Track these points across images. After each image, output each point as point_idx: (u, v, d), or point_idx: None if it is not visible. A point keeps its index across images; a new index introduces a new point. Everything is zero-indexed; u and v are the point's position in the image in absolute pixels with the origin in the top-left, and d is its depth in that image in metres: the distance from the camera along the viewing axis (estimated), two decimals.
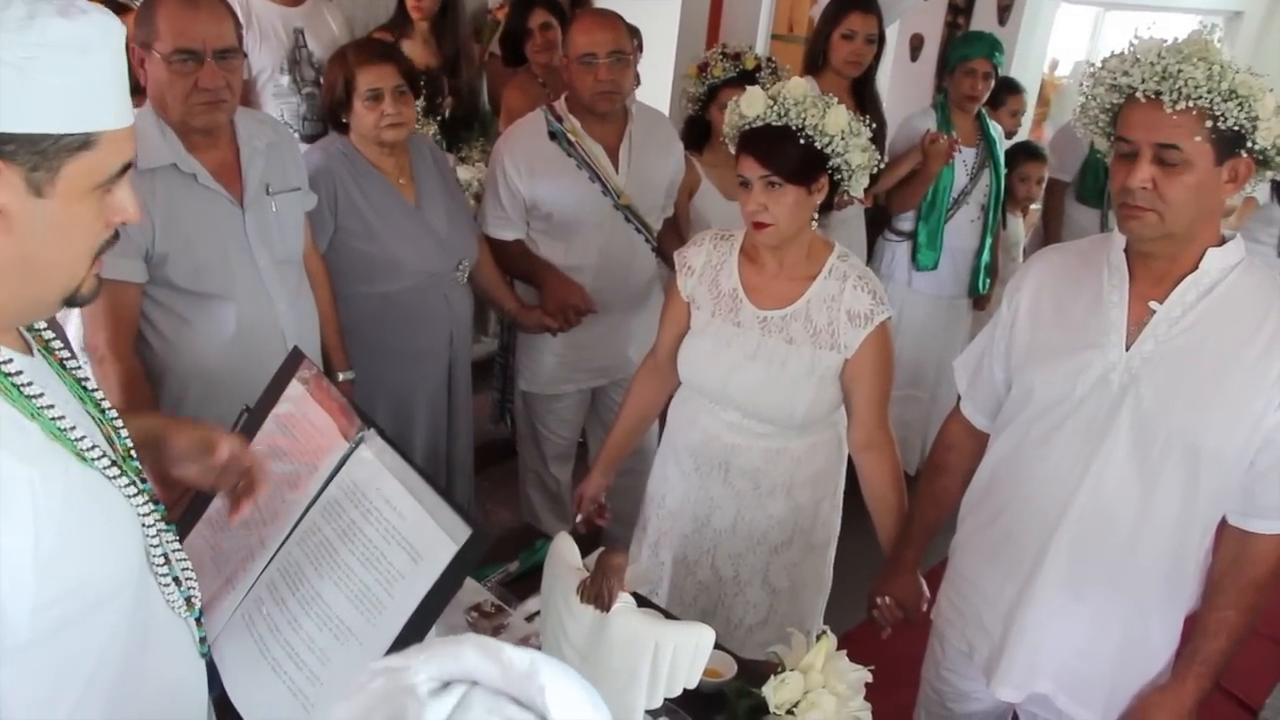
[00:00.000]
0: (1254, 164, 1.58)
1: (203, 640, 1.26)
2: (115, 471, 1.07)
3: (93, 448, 1.04)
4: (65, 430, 1.01)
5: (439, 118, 3.88)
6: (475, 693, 0.64)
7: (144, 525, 1.13)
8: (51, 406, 1.01)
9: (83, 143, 0.97)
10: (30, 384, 1.00)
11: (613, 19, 2.88)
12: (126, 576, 1.09)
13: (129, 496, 1.10)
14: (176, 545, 1.22)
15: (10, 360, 1.00)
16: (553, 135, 2.89)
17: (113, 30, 0.99)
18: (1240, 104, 1.52)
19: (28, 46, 0.91)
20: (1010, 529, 1.88)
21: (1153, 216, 1.60)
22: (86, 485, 1.03)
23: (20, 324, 1.08)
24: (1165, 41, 1.59)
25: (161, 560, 1.16)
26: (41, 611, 0.97)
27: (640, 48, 4.26)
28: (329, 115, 2.67)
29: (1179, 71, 1.53)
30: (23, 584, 0.94)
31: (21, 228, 0.95)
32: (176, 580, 1.19)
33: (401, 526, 1.34)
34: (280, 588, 1.40)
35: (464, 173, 3.87)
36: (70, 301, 1.05)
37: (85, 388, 1.14)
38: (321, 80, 3.68)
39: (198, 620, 1.24)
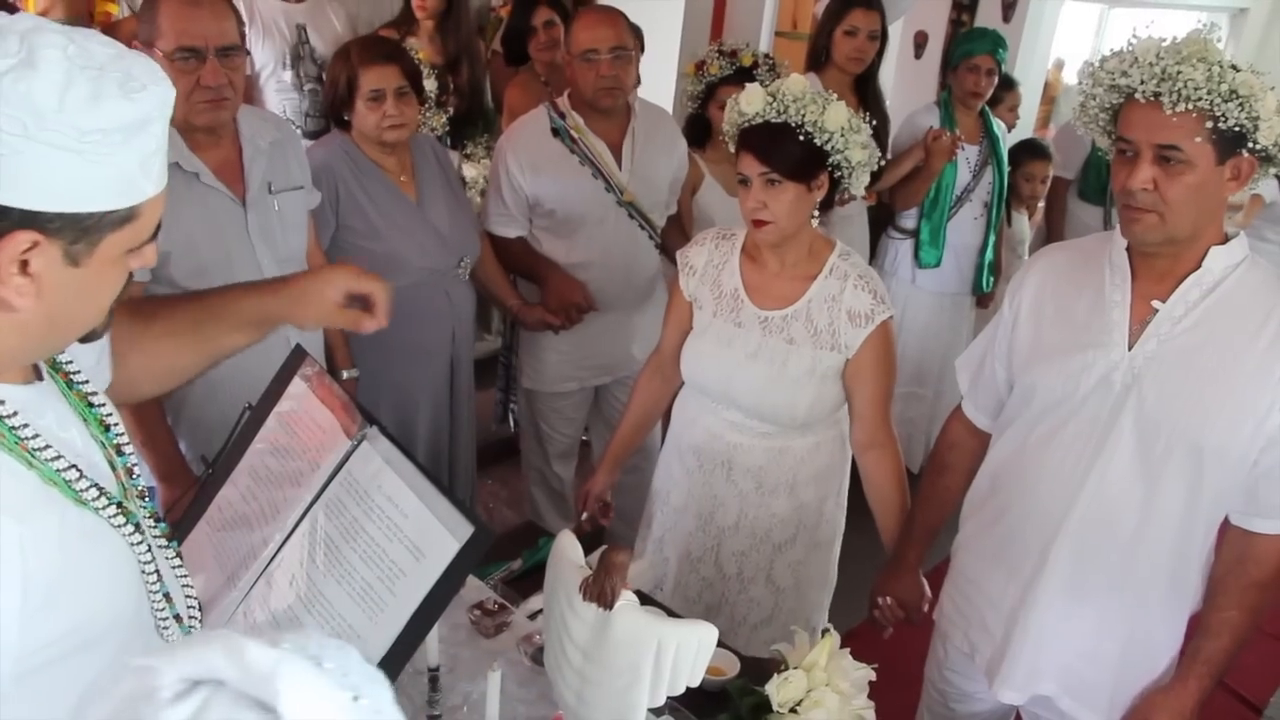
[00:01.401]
0: (1256, 162, 1.58)
1: None
2: (113, 513, 1.05)
3: (89, 487, 1.02)
4: (61, 472, 1.00)
5: (447, 112, 3.88)
6: (217, 698, 0.60)
7: (142, 566, 1.10)
8: (48, 447, 0.99)
9: (127, 216, 0.96)
10: (26, 425, 0.99)
11: (614, 15, 2.88)
12: (120, 617, 1.07)
13: (127, 538, 1.07)
14: (178, 565, 1.20)
15: (3, 402, 0.98)
16: (555, 132, 2.89)
17: (168, 100, 0.97)
18: (1241, 104, 1.51)
19: (89, 132, 0.89)
20: (1013, 530, 1.87)
21: (1154, 219, 1.59)
22: (82, 530, 1.02)
23: (33, 361, 1.07)
24: (1164, 41, 1.58)
25: (161, 602, 1.14)
26: (24, 659, 0.95)
27: (641, 47, 4.26)
28: (331, 112, 2.66)
29: (1178, 73, 1.52)
30: (5, 641, 0.93)
31: (51, 294, 0.94)
32: (178, 618, 1.17)
33: (404, 524, 1.34)
34: (282, 586, 1.40)
35: (470, 170, 3.86)
36: (84, 339, 1.05)
37: (91, 404, 1.13)
38: (324, 76, 3.68)
39: None
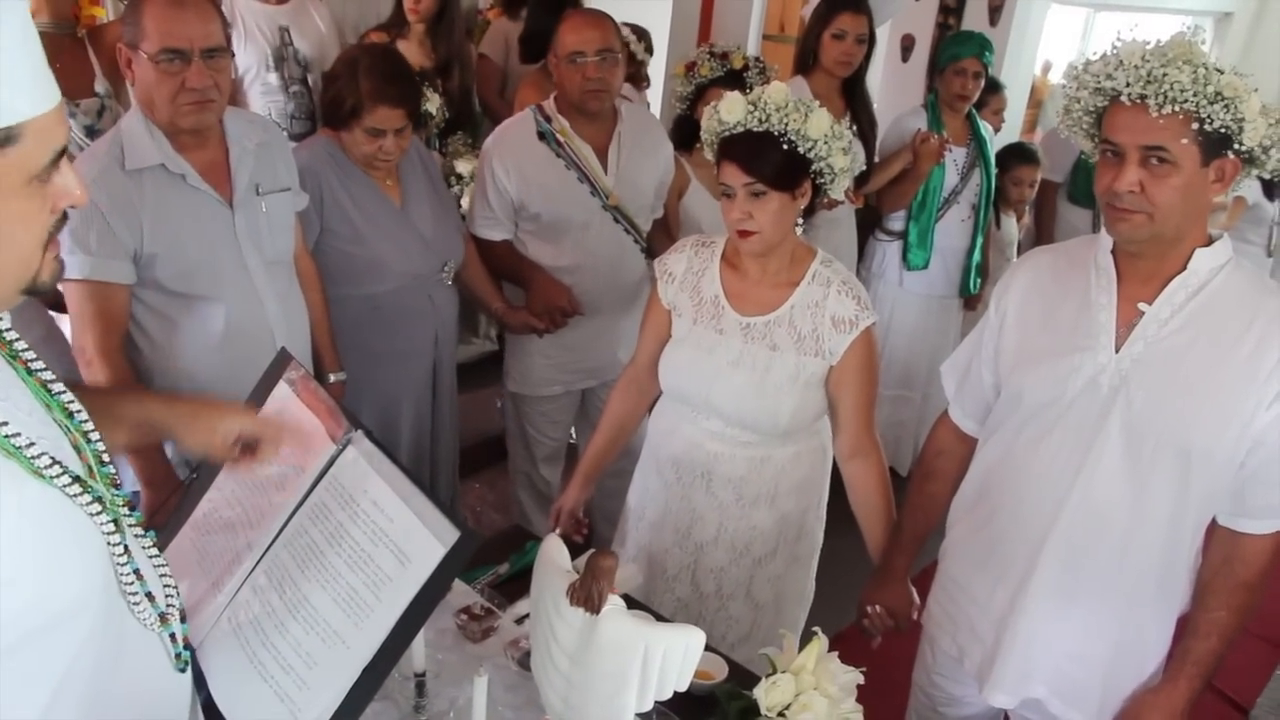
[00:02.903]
0: (1240, 164, 1.58)
1: (178, 656, 1.21)
2: (76, 489, 1.02)
3: (51, 465, 0.99)
4: (20, 448, 0.97)
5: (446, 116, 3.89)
6: None
7: (109, 542, 1.08)
8: (5, 424, 0.96)
9: (3, 139, 0.89)
10: None
11: (601, 18, 2.87)
12: (88, 595, 1.04)
13: (91, 514, 1.05)
14: (155, 555, 1.18)
15: None
16: (541, 135, 2.88)
17: (12, 6, 0.89)
18: (1226, 106, 1.51)
19: None
20: (1001, 534, 1.87)
21: (1141, 218, 1.59)
22: (43, 504, 0.99)
23: None
24: (1149, 44, 1.58)
25: (130, 577, 1.11)
26: None
27: (650, 49, 4.25)
28: (326, 114, 2.62)
29: (1164, 75, 1.52)
30: None
31: None
32: (150, 596, 1.14)
33: (389, 529, 1.33)
34: (267, 591, 1.39)
35: (464, 166, 3.84)
36: (30, 291, 0.99)
37: (51, 391, 1.10)
38: (308, 79, 3.67)
39: (172, 636, 1.19)
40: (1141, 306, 1.68)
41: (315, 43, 3.76)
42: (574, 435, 3.43)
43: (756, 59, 3.43)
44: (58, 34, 3.04)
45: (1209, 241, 1.66)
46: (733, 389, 2.14)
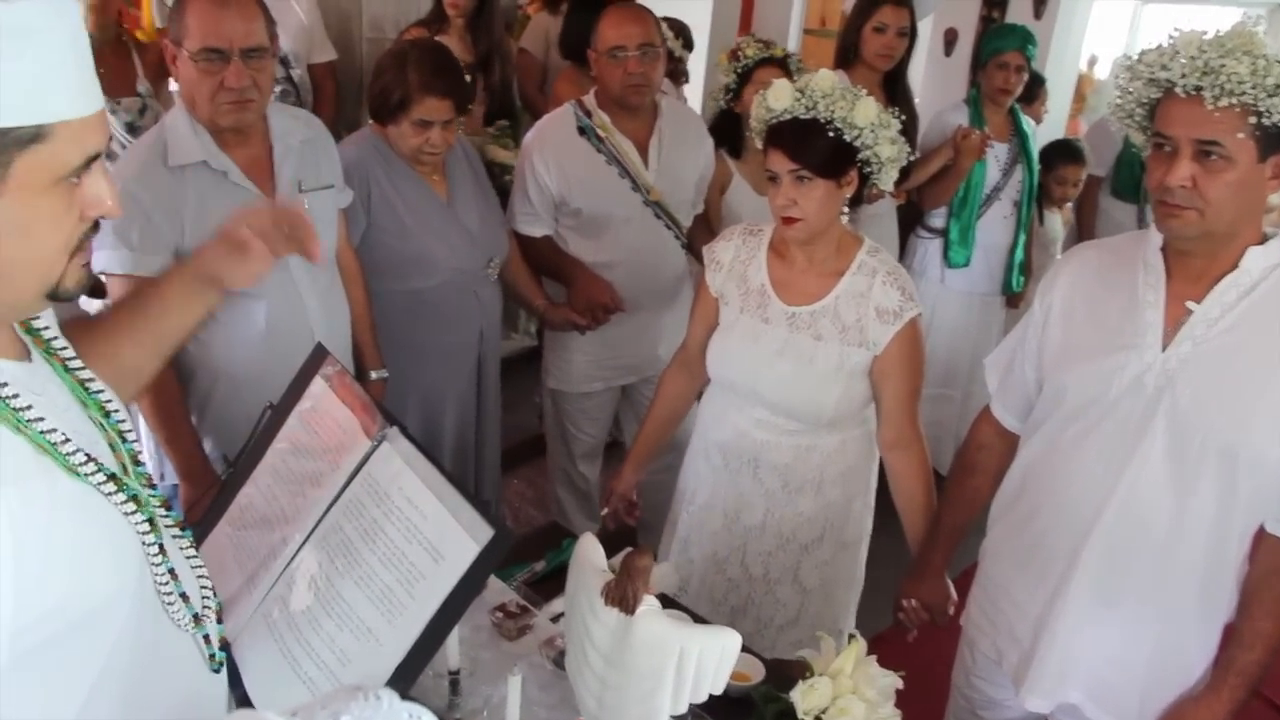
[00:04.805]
0: None
1: (212, 657, 1.21)
2: (110, 487, 1.02)
3: (86, 461, 1.00)
4: (55, 444, 0.97)
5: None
6: None
7: (144, 541, 1.07)
8: (42, 419, 0.97)
9: (34, 135, 0.90)
10: (17, 396, 0.96)
11: (642, 12, 2.86)
12: (119, 593, 1.04)
13: (126, 513, 1.05)
14: (192, 555, 1.18)
15: None
16: (581, 130, 2.88)
17: (65, 10, 0.91)
18: None
19: None
20: (1042, 534, 1.84)
21: (1193, 214, 1.55)
22: (76, 501, 0.99)
23: (3, 324, 1.03)
24: (1206, 34, 1.54)
25: (165, 576, 1.10)
26: (24, 634, 0.93)
27: (689, 45, 4.24)
28: (374, 108, 2.61)
29: (1221, 66, 1.48)
30: (1, 609, 0.90)
31: None
32: (185, 596, 1.14)
33: (423, 526, 1.33)
34: (301, 587, 1.40)
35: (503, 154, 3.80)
36: (54, 297, 1.00)
37: (88, 389, 1.10)
38: (291, 73, 3.64)
39: (206, 638, 1.19)
40: (1190, 305, 1.64)
41: (295, 35, 3.74)
42: (620, 432, 3.42)
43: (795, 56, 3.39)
44: (102, 36, 3.08)
45: (1264, 240, 1.62)
46: (778, 378, 2.14)
